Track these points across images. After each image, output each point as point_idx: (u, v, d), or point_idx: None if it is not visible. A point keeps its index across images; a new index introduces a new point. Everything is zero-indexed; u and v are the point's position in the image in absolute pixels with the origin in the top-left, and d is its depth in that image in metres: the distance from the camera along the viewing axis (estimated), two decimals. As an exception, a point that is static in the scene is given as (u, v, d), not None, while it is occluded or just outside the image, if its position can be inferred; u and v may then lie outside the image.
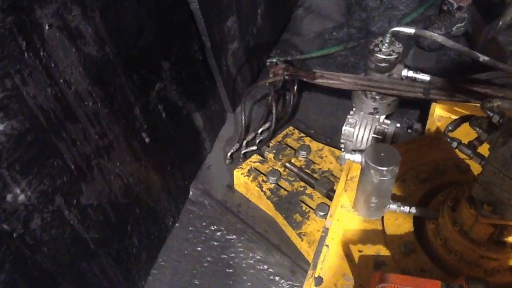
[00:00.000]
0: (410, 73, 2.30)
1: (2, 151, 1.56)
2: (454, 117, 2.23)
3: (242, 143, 2.95)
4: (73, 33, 1.82)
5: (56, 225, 1.84)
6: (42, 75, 1.69)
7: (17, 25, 1.56)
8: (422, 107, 2.65)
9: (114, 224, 2.21)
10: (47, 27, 1.68)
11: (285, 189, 2.65)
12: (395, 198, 1.93)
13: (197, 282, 2.49)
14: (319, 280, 1.85)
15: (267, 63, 3.46)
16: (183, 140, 2.77)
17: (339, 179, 2.14)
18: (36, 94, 1.67)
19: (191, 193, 2.85)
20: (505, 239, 1.70)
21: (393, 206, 1.90)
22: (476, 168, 1.78)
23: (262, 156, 2.83)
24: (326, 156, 2.76)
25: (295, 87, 2.87)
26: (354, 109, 2.46)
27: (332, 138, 2.95)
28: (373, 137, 2.35)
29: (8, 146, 1.58)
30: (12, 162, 1.60)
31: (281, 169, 2.73)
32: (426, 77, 2.30)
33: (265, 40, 3.46)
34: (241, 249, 2.59)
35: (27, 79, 1.62)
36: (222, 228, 2.68)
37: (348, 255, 1.92)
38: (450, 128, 1.83)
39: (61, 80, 1.78)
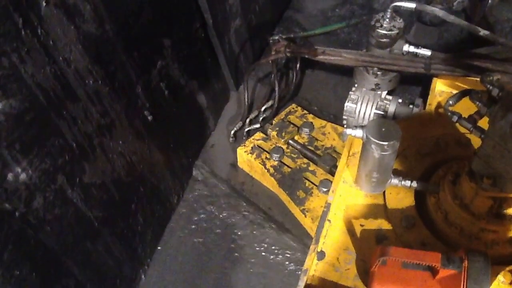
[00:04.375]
0: (411, 48, 2.28)
1: (2, 130, 1.57)
2: (455, 91, 2.22)
3: (245, 121, 2.95)
4: (71, 11, 1.82)
5: (59, 204, 1.85)
6: (41, 54, 1.69)
7: (13, 2, 1.55)
8: (424, 83, 2.63)
9: (118, 203, 2.22)
10: (44, 4, 1.68)
11: (288, 166, 2.65)
12: (396, 173, 1.94)
13: (202, 259, 2.51)
14: (321, 255, 1.87)
15: (270, 41, 3.43)
16: (187, 118, 2.77)
17: (342, 155, 2.15)
18: (34, 73, 1.67)
19: (195, 171, 2.86)
20: (504, 211, 1.71)
21: (395, 181, 1.91)
22: (476, 142, 1.78)
23: (265, 133, 2.83)
24: (329, 133, 2.76)
25: (298, 65, 2.86)
26: (356, 85, 2.45)
27: (336, 115, 2.94)
28: (375, 113, 2.35)
29: (7, 125, 1.58)
30: (12, 141, 1.61)
31: (284, 147, 2.73)
32: (427, 52, 2.28)
33: (267, 18, 3.43)
34: (245, 226, 2.60)
35: (25, 57, 1.62)
36: (226, 206, 2.69)
37: (350, 229, 1.93)
38: (450, 102, 1.84)
39: (60, 58, 1.78)
